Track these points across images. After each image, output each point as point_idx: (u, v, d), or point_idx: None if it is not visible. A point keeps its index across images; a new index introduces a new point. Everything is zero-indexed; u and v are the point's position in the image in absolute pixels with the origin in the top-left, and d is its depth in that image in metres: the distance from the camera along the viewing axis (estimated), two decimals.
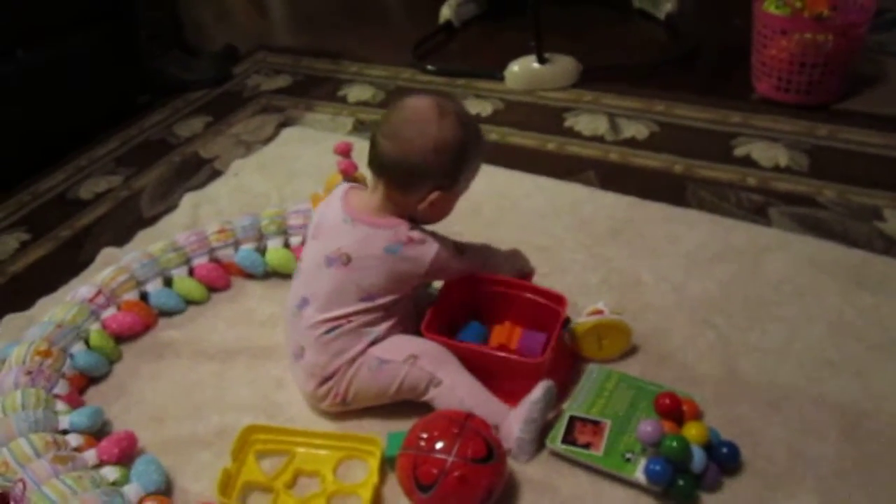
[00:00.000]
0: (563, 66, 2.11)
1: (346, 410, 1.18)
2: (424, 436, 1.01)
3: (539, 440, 1.10)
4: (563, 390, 1.17)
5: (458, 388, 1.12)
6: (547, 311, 1.21)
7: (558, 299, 1.21)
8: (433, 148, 1.09)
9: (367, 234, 1.14)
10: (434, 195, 1.12)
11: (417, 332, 1.18)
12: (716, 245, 1.45)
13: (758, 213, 1.54)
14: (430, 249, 1.14)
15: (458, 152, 1.11)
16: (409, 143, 1.10)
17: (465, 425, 1.02)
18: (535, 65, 2.11)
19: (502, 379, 1.15)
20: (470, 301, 1.25)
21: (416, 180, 1.12)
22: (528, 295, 1.24)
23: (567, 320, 1.21)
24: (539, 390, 1.08)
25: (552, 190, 1.67)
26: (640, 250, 1.47)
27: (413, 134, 1.09)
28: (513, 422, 1.09)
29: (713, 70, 2.12)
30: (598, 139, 1.87)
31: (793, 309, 1.30)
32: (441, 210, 1.17)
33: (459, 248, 1.19)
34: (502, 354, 1.18)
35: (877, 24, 1.97)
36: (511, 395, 1.13)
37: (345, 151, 1.47)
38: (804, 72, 1.81)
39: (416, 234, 1.13)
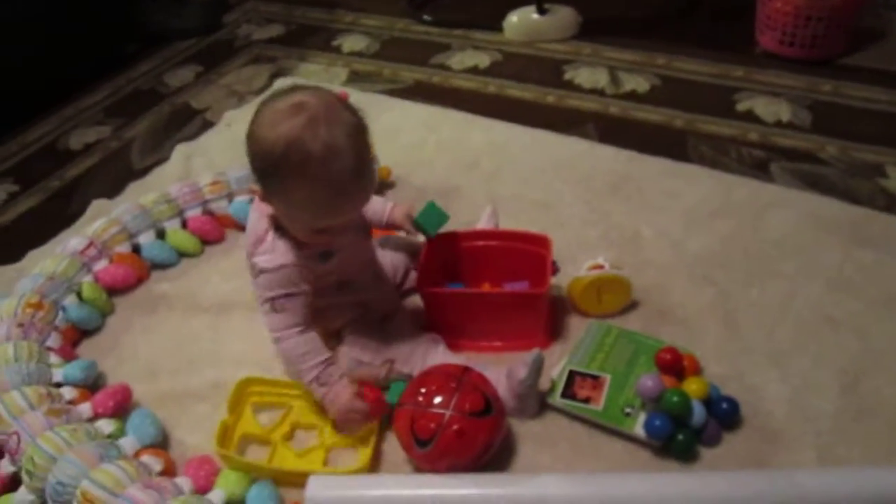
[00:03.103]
0: (563, 17, 2.07)
1: None
2: (422, 390, 1.00)
3: (538, 401, 1.09)
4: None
5: None
6: (532, 259, 1.20)
7: (542, 241, 1.20)
8: (253, 141, 0.97)
9: (251, 217, 1.08)
10: (271, 202, 1.01)
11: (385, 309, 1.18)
12: (716, 200, 1.44)
13: (759, 169, 1.53)
14: (264, 260, 1.03)
15: (270, 162, 0.94)
16: (250, 128, 0.99)
17: (462, 379, 1.01)
18: (535, 15, 2.07)
19: (504, 319, 1.16)
20: (451, 260, 1.24)
21: (251, 169, 1.00)
22: (511, 243, 1.23)
23: (554, 265, 1.20)
24: (523, 370, 1.03)
25: (551, 143, 1.65)
26: (639, 205, 1.45)
27: (257, 119, 0.97)
28: (505, 396, 1.05)
29: (716, 23, 2.08)
30: (598, 92, 1.84)
31: (793, 265, 1.29)
32: (290, 222, 1.02)
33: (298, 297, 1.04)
34: (506, 291, 1.20)
35: None
36: (515, 335, 1.15)
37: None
38: (809, 26, 1.78)
39: (268, 237, 1.03)
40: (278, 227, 1.04)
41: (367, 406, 1.04)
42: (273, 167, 0.95)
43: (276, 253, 1.03)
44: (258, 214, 1.06)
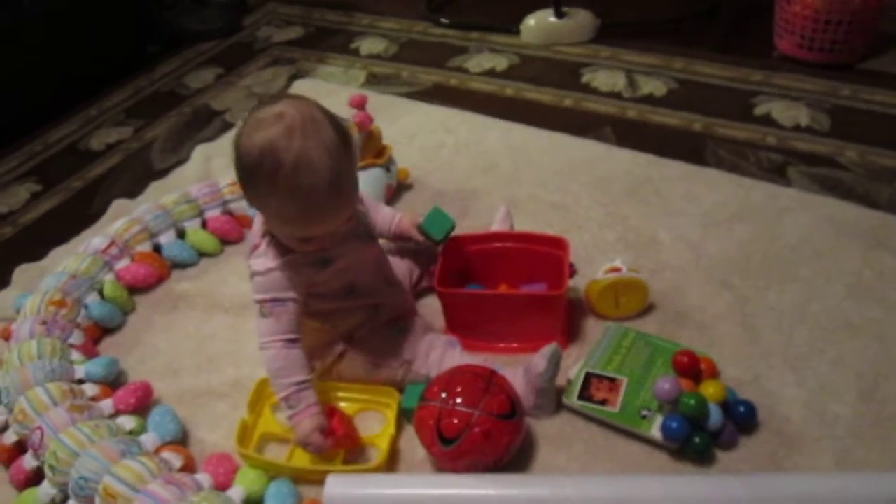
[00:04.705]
0: (581, 20, 2.07)
1: None
2: (450, 389, 1.00)
3: (556, 399, 1.09)
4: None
5: None
6: (549, 262, 1.21)
7: (560, 243, 1.20)
8: (235, 148, 0.97)
9: (254, 222, 1.10)
10: (254, 207, 1.02)
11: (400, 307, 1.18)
12: (734, 204, 1.44)
13: (777, 173, 1.52)
14: (257, 264, 1.04)
15: (246, 168, 0.96)
16: (235, 134, 0.98)
17: (490, 381, 1.01)
18: (552, 19, 2.07)
19: (522, 320, 1.17)
20: (468, 262, 1.25)
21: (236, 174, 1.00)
22: (529, 245, 1.24)
23: (572, 267, 1.20)
24: (542, 363, 1.04)
25: (568, 146, 1.65)
26: (657, 209, 1.45)
27: (243, 125, 0.97)
28: (523, 393, 1.06)
29: (734, 27, 2.07)
30: (616, 96, 1.84)
31: (811, 270, 1.29)
32: (273, 229, 1.03)
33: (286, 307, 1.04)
34: (523, 292, 1.21)
35: None
36: (532, 337, 1.16)
37: (360, 104, 1.45)
38: (828, 30, 1.77)
39: (262, 242, 1.05)
40: (273, 232, 1.05)
41: (324, 443, 1.03)
42: (249, 174, 0.96)
43: (268, 257, 1.03)
44: (259, 219, 1.07)
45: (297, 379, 1.03)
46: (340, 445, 1.06)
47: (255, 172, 0.95)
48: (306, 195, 0.94)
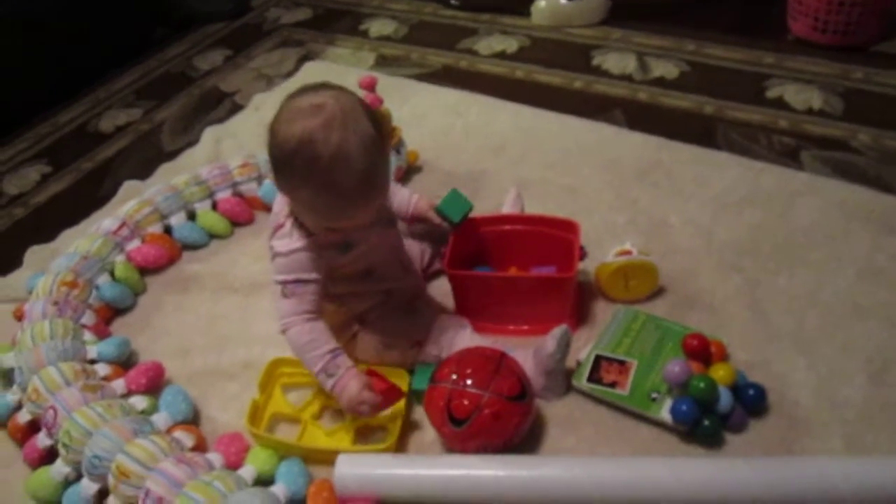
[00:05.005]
0: (592, 1, 2.05)
1: None
2: (460, 370, 1.01)
3: (566, 380, 1.10)
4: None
5: None
6: (560, 244, 1.20)
7: (571, 226, 1.20)
8: (271, 134, 0.97)
9: (276, 201, 1.09)
10: (283, 194, 1.03)
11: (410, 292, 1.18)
12: (745, 188, 1.43)
13: (789, 157, 1.51)
14: (280, 245, 1.04)
15: (281, 157, 0.95)
16: (272, 120, 0.97)
17: (501, 363, 1.02)
18: (563, 0, 2.05)
19: (531, 303, 1.17)
20: (479, 244, 1.25)
21: (269, 160, 1.00)
22: (539, 228, 1.23)
23: (582, 250, 1.20)
24: (552, 344, 1.04)
25: (578, 129, 1.64)
26: (667, 192, 1.44)
27: (279, 112, 0.97)
28: (533, 375, 1.06)
29: (747, 9, 2.05)
30: (627, 78, 1.83)
31: (822, 254, 1.28)
32: (301, 215, 1.03)
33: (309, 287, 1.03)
34: (533, 275, 1.21)
35: None
36: (542, 319, 1.16)
37: (369, 86, 1.44)
38: (842, 12, 1.75)
39: (287, 223, 1.04)
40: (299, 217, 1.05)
41: (377, 397, 1.02)
42: (283, 163, 0.96)
43: (292, 238, 1.03)
44: (282, 199, 1.07)
45: (329, 347, 1.04)
46: (389, 401, 1.05)
47: (289, 162, 0.94)
48: (339, 189, 0.94)
